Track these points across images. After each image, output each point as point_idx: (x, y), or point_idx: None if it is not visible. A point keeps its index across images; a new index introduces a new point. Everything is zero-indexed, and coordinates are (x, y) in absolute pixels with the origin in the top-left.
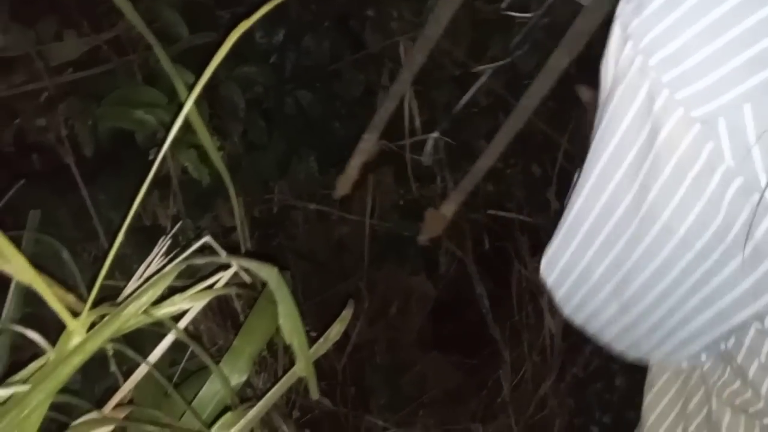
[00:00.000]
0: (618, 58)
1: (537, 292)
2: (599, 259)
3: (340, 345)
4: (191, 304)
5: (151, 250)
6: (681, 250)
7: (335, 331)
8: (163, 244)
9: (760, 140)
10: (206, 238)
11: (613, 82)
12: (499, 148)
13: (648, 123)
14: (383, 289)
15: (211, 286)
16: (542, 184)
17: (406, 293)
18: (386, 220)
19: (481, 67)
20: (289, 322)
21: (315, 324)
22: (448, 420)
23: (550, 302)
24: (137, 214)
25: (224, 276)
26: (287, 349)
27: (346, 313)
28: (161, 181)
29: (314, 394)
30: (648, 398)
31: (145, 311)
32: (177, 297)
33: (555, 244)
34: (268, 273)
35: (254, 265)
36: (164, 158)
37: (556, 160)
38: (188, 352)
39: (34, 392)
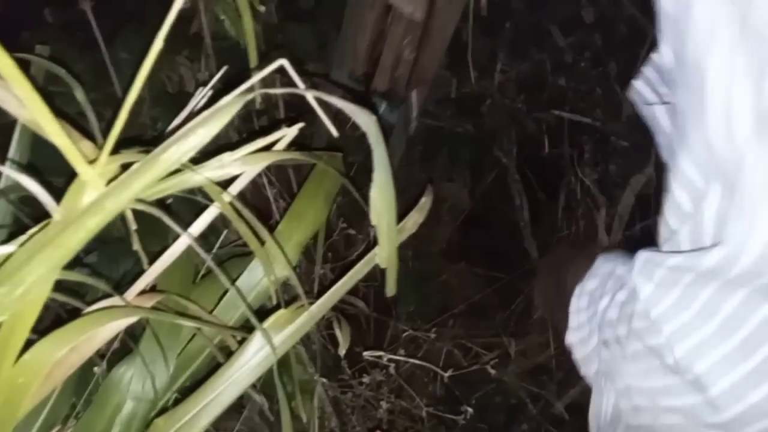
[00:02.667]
0: None
1: (593, 207)
2: None
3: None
4: (243, 168)
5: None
6: None
7: (413, 220)
8: (204, 93)
9: None
10: (282, 61)
11: None
12: None
13: None
14: (415, 193)
15: (269, 147)
16: (619, 83)
17: (439, 199)
18: (430, 114)
19: None
20: (382, 196)
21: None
22: (478, 332)
23: (607, 218)
24: (161, 81)
25: (287, 134)
26: (330, 238)
27: (425, 202)
28: (191, 41)
29: (391, 290)
30: None
31: (185, 168)
32: (226, 156)
33: None
34: (366, 120)
35: (350, 108)
36: (196, 12)
37: (638, 57)
38: (223, 235)
39: (33, 262)
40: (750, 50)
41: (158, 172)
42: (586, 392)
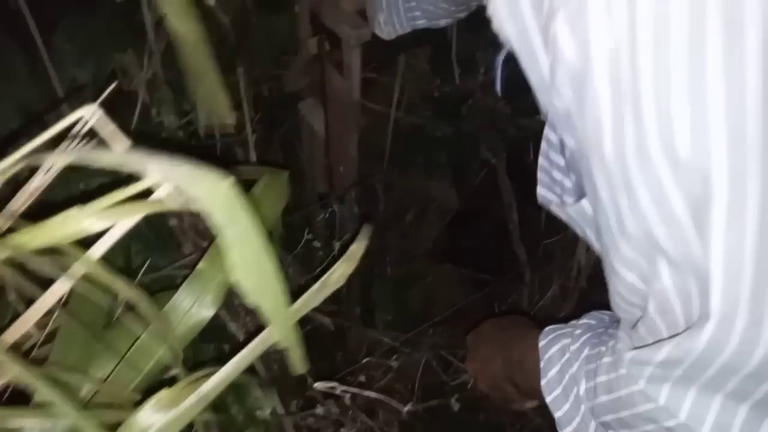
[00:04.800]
0: None
1: None
2: None
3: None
4: (103, 224)
5: (125, 120)
6: None
7: (339, 273)
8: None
9: None
10: (87, 111)
11: None
12: None
13: None
14: (401, 194)
15: (147, 194)
16: None
17: (426, 199)
18: (414, 113)
19: None
20: (253, 278)
21: (321, 234)
22: (459, 341)
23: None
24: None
25: (161, 188)
26: (295, 251)
27: (357, 248)
28: (137, 32)
29: (298, 368)
30: None
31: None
32: (74, 212)
33: None
34: (209, 187)
35: (183, 173)
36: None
37: None
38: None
39: None
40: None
41: None
42: None
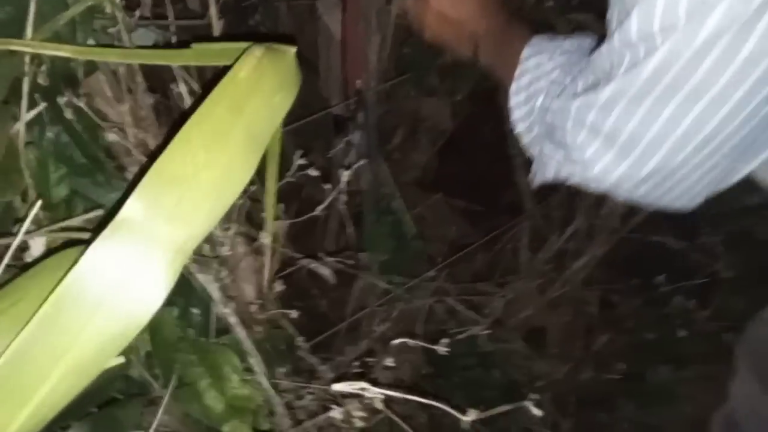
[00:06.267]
0: None
1: None
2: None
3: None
4: None
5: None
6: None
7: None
8: None
9: None
10: None
11: None
12: None
13: None
14: (387, 113)
15: None
16: None
17: (415, 119)
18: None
19: None
20: None
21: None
22: (462, 283)
23: None
24: None
25: None
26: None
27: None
28: None
29: None
30: None
31: None
32: None
33: None
34: None
35: None
36: None
37: None
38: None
39: None
40: None
41: None
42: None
